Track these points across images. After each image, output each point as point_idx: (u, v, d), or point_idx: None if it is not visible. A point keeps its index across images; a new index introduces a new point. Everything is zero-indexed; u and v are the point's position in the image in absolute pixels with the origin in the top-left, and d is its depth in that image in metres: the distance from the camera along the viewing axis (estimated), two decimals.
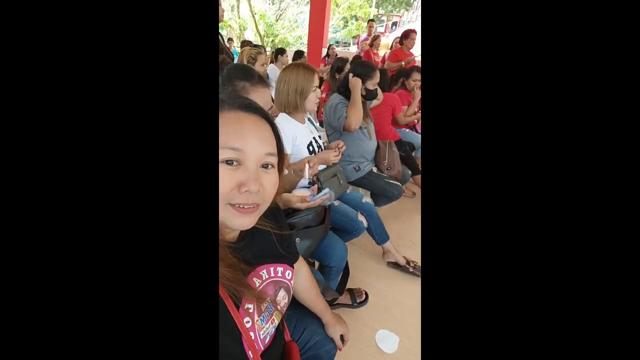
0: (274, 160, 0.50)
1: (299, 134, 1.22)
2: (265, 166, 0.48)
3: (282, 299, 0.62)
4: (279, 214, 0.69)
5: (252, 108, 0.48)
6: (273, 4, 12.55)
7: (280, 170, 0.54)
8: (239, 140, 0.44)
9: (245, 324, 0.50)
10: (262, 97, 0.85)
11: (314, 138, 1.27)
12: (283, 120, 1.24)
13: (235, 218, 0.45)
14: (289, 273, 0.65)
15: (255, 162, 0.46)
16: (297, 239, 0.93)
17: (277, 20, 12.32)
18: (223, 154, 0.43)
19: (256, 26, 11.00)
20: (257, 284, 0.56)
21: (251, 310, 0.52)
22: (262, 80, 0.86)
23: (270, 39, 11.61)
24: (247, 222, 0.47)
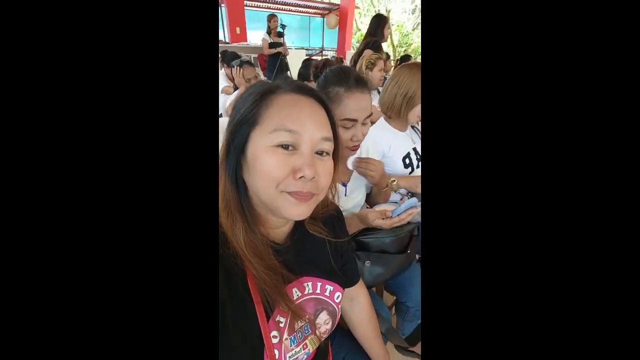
0: (329, 146, 0.44)
1: (395, 143, 1.08)
2: (320, 153, 0.43)
3: (324, 323, 0.53)
4: (338, 223, 0.60)
5: (307, 90, 0.45)
6: (413, 13, 12.29)
7: (335, 159, 0.47)
8: (295, 123, 0.41)
9: (272, 338, 0.44)
10: (358, 103, 0.74)
11: (414, 149, 1.10)
12: (380, 127, 1.13)
13: (291, 206, 0.41)
14: (338, 296, 0.55)
15: (311, 147, 0.42)
16: (367, 262, 0.81)
17: (413, 30, 11.99)
18: (279, 137, 0.40)
19: (391, 37, 11.07)
20: (296, 297, 0.49)
21: (282, 325, 0.46)
22: (360, 84, 0.75)
23: (403, 49, 11.41)
24: (302, 210, 0.42)
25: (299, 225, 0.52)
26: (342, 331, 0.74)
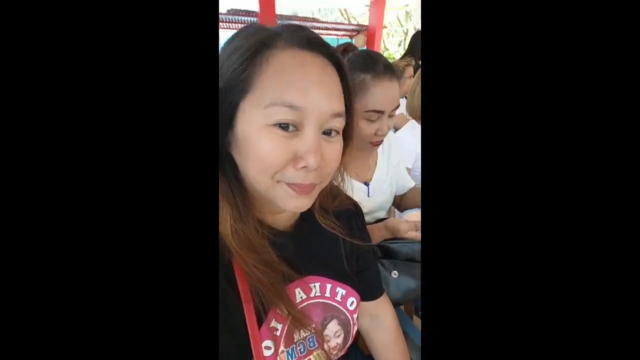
0: (340, 123, 0.35)
1: None
2: (327, 132, 0.34)
3: (334, 335, 0.43)
4: (356, 219, 0.51)
5: (316, 45, 0.33)
6: None
7: (347, 138, 0.38)
8: (299, 94, 0.31)
9: (264, 350, 0.35)
10: (386, 92, 0.66)
11: None
12: (410, 129, 1.04)
13: (289, 198, 0.34)
14: (352, 302, 0.45)
15: (318, 127, 0.32)
16: (394, 272, 0.69)
17: None
18: (276, 114, 0.31)
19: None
20: (299, 299, 0.40)
21: (277, 333, 0.37)
22: (389, 70, 0.67)
23: None
24: (302, 203, 0.35)
25: (306, 213, 0.44)
26: (363, 357, 0.62)
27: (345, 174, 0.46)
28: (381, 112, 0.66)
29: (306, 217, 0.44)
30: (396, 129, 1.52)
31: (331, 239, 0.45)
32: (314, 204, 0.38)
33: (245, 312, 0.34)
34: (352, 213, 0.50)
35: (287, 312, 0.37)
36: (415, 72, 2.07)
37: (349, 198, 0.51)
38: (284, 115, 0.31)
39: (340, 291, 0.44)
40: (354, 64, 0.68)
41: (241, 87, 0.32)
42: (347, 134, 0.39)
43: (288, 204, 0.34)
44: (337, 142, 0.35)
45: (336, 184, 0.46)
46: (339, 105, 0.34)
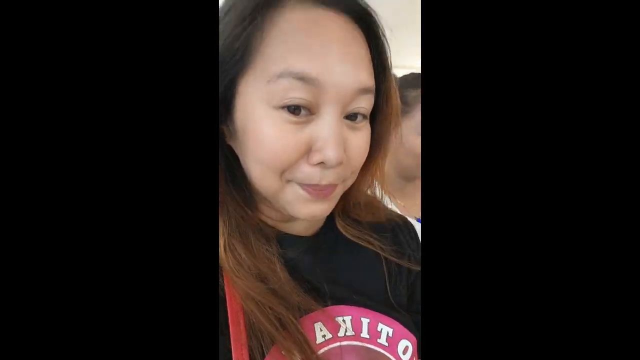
0: (368, 104, 0.27)
1: None
2: (352, 117, 0.26)
3: None
4: (406, 235, 0.38)
5: (336, 0, 0.26)
6: None
7: (386, 128, 0.30)
8: (312, 61, 0.23)
9: None
10: None
11: None
12: None
13: (302, 203, 0.27)
14: (407, 348, 0.31)
15: (339, 108, 0.25)
16: None
17: None
18: (282, 91, 0.24)
19: None
20: (321, 340, 0.28)
21: None
22: None
23: None
24: (321, 208, 0.28)
25: (330, 218, 0.34)
26: None
27: (378, 188, 0.36)
28: None
29: (331, 223, 0.35)
30: None
31: (367, 254, 0.34)
32: (335, 208, 0.30)
33: (232, 356, 0.24)
34: (399, 226, 0.38)
35: (299, 359, 0.25)
36: None
37: (393, 212, 0.40)
38: (294, 92, 0.23)
39: (385, 329, 0.30)
40: (405, 82, 0.67)
41: (239, 57, 0.25)
42: (383, 130, 0.30)
43: (300, 210, 0.27)
44: (364, 130, 0.27)
45: (372, 195, 0.37)
46: (368, 78, 0.26)
